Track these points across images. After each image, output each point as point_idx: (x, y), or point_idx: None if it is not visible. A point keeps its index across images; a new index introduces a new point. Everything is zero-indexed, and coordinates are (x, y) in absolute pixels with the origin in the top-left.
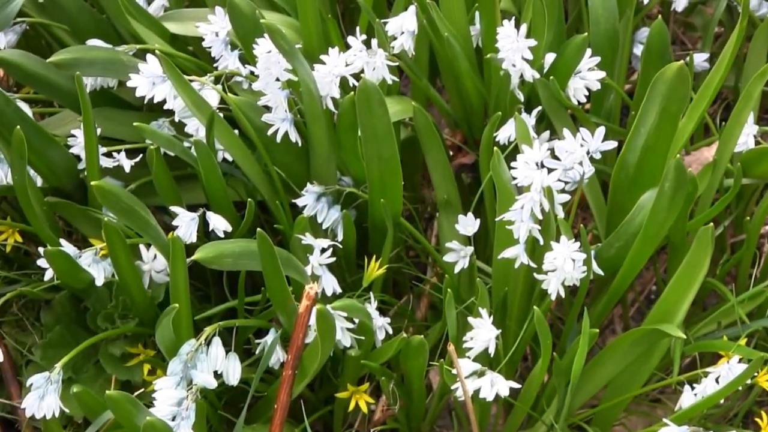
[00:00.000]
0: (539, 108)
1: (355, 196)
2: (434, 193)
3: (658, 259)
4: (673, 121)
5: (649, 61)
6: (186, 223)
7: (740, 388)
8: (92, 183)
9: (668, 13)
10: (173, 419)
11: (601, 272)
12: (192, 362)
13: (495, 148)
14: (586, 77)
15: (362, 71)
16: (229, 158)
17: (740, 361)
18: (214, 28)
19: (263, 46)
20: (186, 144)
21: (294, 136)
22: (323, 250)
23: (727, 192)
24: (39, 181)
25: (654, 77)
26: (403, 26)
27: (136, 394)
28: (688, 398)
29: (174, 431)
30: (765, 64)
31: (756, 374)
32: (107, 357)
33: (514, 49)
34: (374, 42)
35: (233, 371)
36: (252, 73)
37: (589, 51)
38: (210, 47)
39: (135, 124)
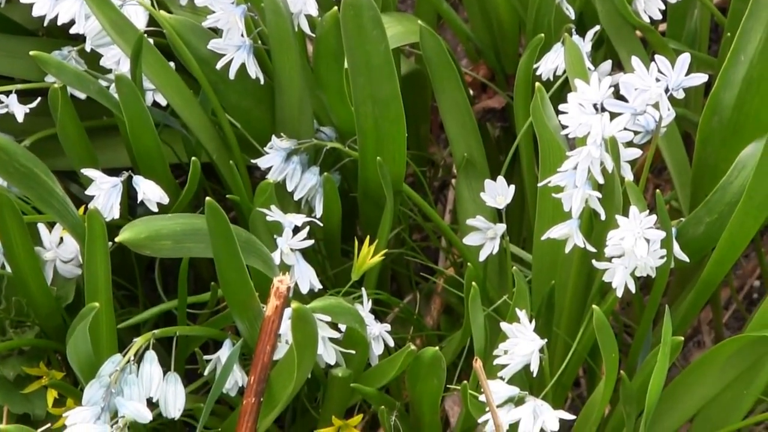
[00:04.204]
0: (597, 28)
1: (341, 155)
2: (450, 149)
3: (764, 242)
4: None
5: None
6: (106, 192)
7: None
8: None
9: None
10: None
11: (685, 258)
12: (117, 386)
13: (537, 84)
14: None
15: None
16: (163, 102)
17: None
18: None
19: None
20: (103, 83)
21: (254, 71)
22: (296, 230)
23: None
24: None
25: None
26: None
27: (39, 431)
28: None
29: None
30: None
31: None
32: None
33: None
34: None
35: (174, 399)
36: None
37: None
38: None
39: (32, 53)
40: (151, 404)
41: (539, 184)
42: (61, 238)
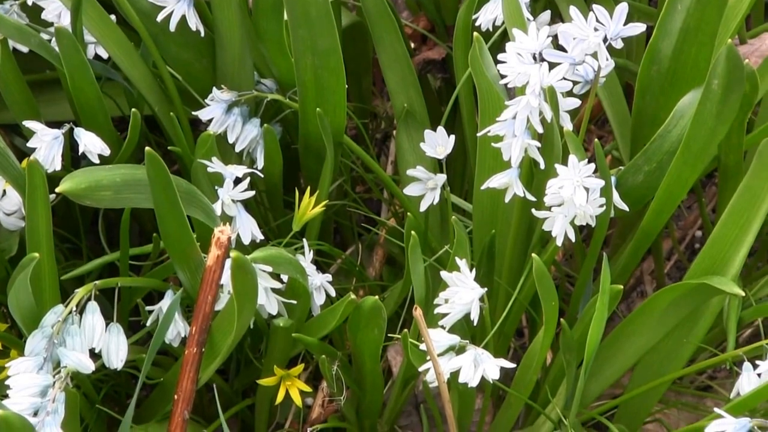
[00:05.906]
0: None
1: (281, 106)
2: (390, 101)
3: (705, 193)
4: None
5: None
6: (47, 144)
7: None
8: None
9: None
10: (35, 414)
11: (625, 207)
12: (59, 337)
13: (475, 34)
14: None
15: None
16: (105, 55)
17: None
18: None
19: None
20: (45, 36)
21: (194, 23)
22: (237, 181)
23: None
24: None
25: None
26: None
27: None
28: (748, 381)
29: (37, 430)
30: None
31: None
32: None
33: None
34: None
35: (116, 349)
36: None
37: None
38: None
39: None
40: (95, 355)
41: (478, 134)
42: (4, 191)
